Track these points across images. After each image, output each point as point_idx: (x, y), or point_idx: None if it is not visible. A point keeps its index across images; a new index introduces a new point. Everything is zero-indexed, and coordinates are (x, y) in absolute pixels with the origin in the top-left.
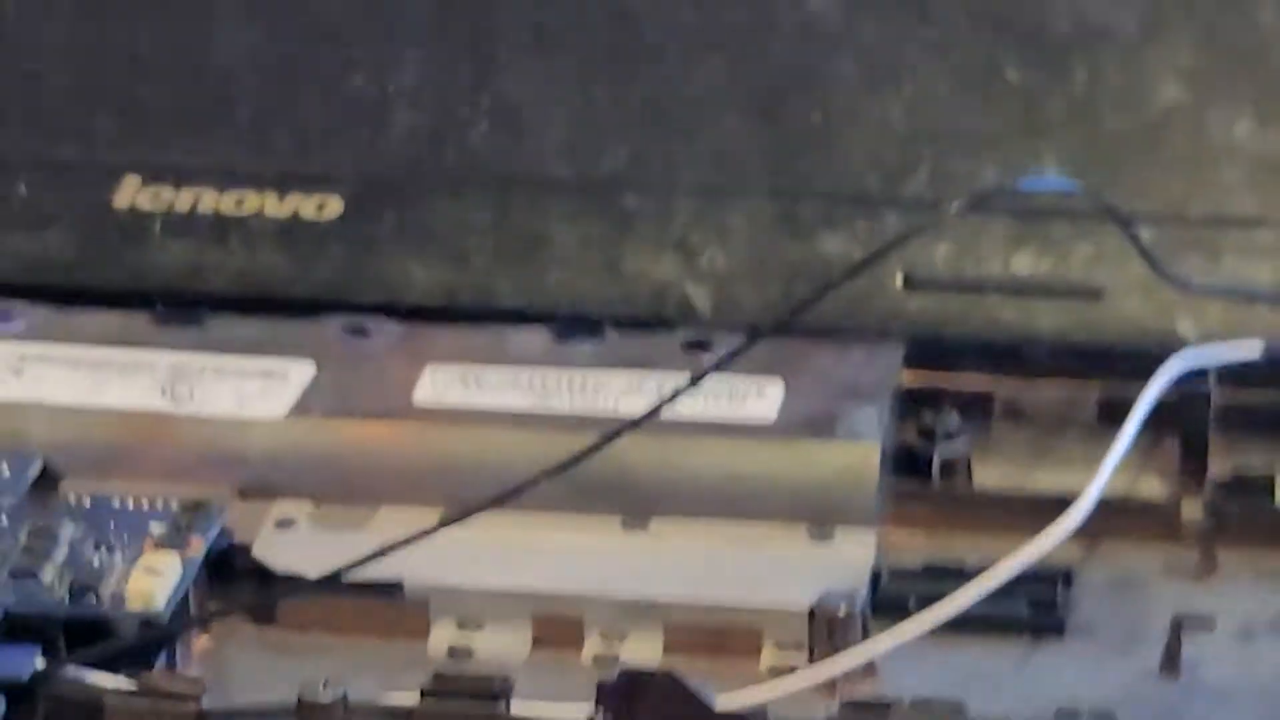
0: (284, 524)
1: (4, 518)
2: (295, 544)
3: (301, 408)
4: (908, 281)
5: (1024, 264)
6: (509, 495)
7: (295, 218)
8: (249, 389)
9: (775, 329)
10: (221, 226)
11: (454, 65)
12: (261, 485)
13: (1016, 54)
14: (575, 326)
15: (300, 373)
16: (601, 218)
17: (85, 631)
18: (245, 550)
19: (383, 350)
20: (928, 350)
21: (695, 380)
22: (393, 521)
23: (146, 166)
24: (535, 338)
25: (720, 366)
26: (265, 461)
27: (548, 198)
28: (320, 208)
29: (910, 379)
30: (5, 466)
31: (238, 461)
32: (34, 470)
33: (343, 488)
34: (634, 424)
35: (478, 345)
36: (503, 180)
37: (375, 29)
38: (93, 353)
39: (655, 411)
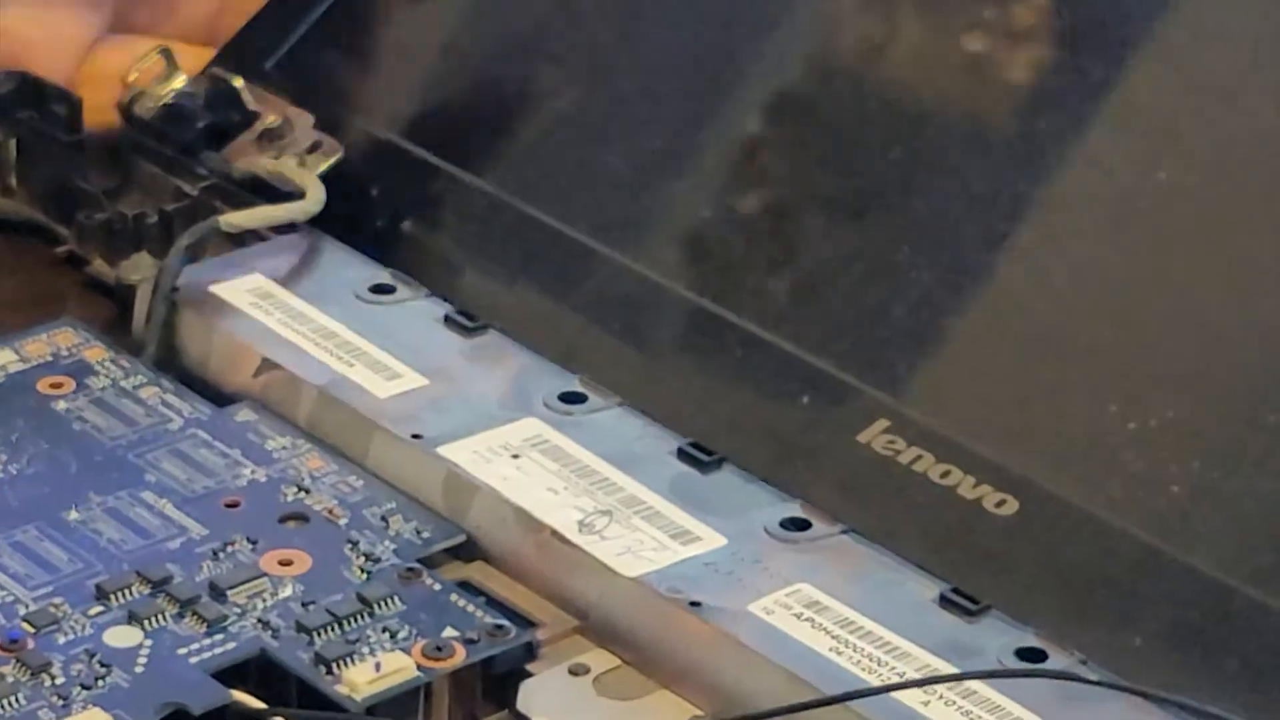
0: (576, 670)
1: (378, 580)
2: (560, 692)
3: (651, 576)
4: None
5: None
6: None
7: (977, 505)
8: (645, 541)
9: None
10: (915, 485)
11: None
12: (599, 628)
13: None
14: None
15: (707, 544)
16: None
17: (308, 695)
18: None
19: (794, 562)
20: None
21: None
22: (660, 708)
23: (899, 416)
24: None
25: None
26: (599, 608)
27: None
28: (999, 504)
29: None
30: (423, 531)
31: (583, 599)
32: (448, 542)
33: (646, 662)
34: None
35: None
36: None
37: None
38: (590, 463)
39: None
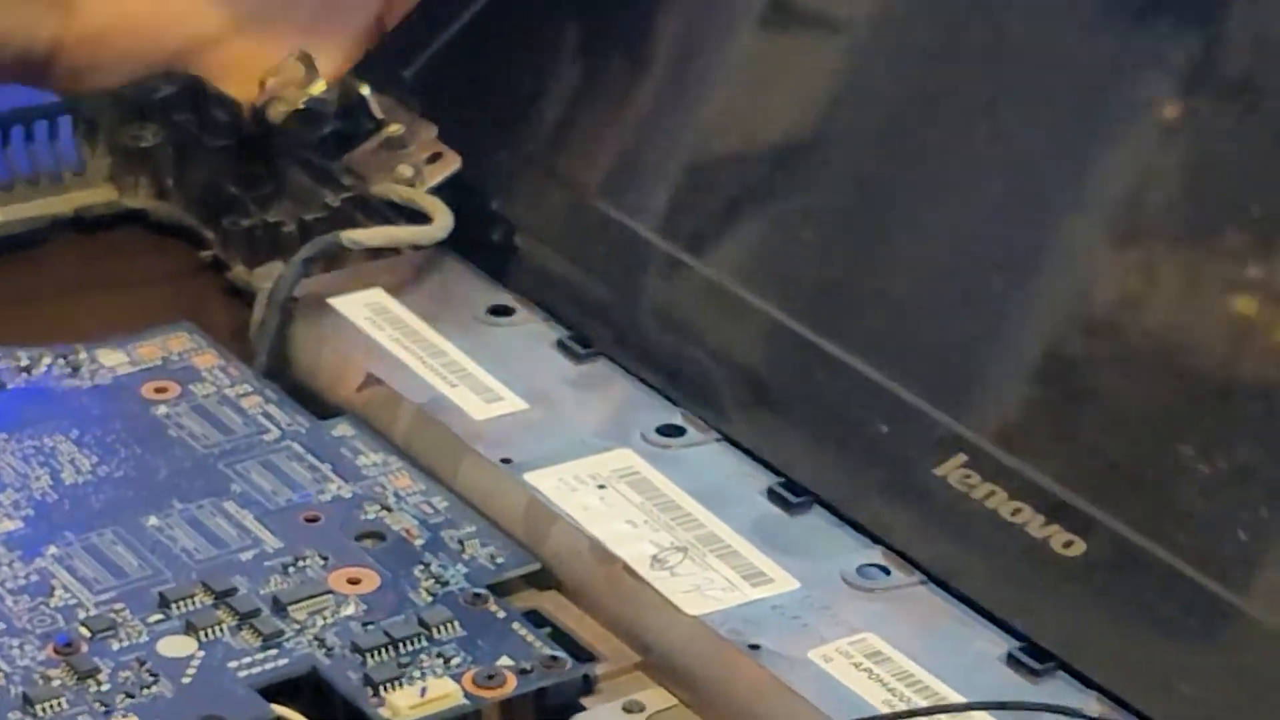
0: (630, 708)
1: (442, 604)
2: None
3: (714, 616)
4: None
5: None
6: None
7: (1044, 545)
8: (716, 580)
9: None
10: (986, 521)
11: None
12: (659, 666)
13: None
14: None
15: (779, 587)
16: None
17: (354, 716)
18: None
19: (865, 610)
20: None
21: None
22: None
23: (978, 451)
24: None
25: None
26: (660, 646)
27: None
28: (1067, 545)
29: None
30: (498, 558)
31: (646, 635)
32: (522, 569)
33: (702, 703)
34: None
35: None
36: None
37: None
38: (676, 497)
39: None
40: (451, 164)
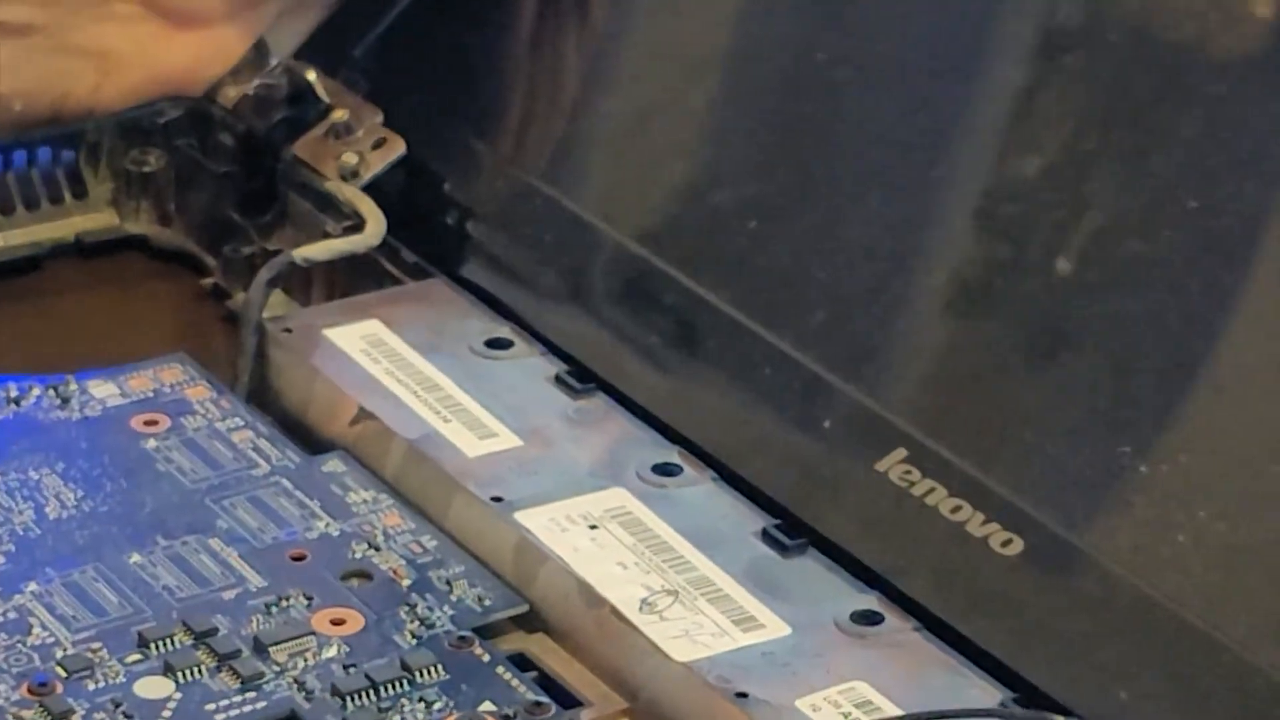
0: None
1: (426, 646)
2: None
3: (702, 663)
4: None
5: None
6: None
7: (983, 543)
8: (706, 625)
9: None
10: (926, 519)
11: None
12: (646, 712)
13: None
14: None
15: (770, 633)
16: None
17: None
18: None
19: (857, 657)
20: None
21: None
22: None
23: (918, 447)
24: None
25: None
26: (647, 692)
27: None
28: (1005, 544)
29: None
30: (485, 599)
31: (633, 680)
32: (509, 611)
33: None
34: None
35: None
36: None
37: None
38: (668, 539)
39: None
40: (395, 150)
